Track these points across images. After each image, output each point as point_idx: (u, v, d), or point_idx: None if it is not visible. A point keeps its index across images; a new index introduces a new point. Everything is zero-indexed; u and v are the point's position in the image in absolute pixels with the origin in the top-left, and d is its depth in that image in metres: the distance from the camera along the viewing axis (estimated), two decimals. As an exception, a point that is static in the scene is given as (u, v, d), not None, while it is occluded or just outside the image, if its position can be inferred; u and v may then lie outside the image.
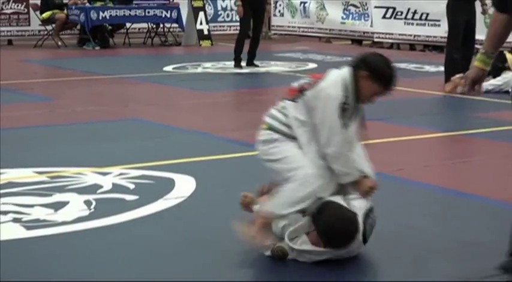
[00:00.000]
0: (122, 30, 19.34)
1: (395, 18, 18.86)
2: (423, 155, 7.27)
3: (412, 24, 18.55)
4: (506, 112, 9.48)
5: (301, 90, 4.35)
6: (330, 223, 4.06)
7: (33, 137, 7.82)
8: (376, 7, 19.21)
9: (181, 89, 11.70)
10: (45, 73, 14.04)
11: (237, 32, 14.70)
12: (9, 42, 19.21)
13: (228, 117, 9.42)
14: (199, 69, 14.19)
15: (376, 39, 19.47)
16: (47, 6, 18.25)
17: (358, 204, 4.23)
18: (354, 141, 4.30)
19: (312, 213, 4.17)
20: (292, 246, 4.21)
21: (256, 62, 14.28)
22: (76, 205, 5.33)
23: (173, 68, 14.16)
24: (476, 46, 13.68)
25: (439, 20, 17.29)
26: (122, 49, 18.38)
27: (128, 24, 19.29)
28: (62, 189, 5.72)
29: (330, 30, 20.62)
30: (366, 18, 19.54)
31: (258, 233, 4.24)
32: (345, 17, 20.07)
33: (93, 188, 5.77)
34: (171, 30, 19.56)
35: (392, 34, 19.03)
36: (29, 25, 19.11)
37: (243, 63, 14.13)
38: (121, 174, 6.18)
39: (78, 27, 18.70)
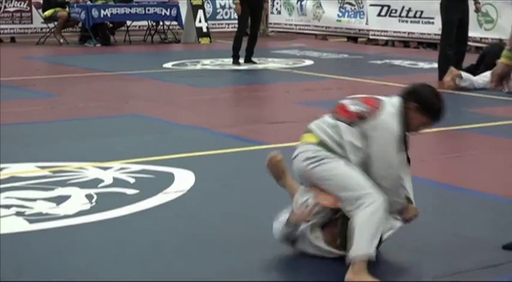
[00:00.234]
0: (123, 28, 19.43)
1: (390, 16, 18.96)
2: (418, 150, 7.32)
3: (407, 21, 18.65)
4: (500, 107, 9.63)
5: (360, 117, 4.18)
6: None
7: (35, 132, 7.89)
8: (371, 5, 19.31)
9: (180, 85, 11.79)
10: (47, 70, 14.13)
11: (235, 29, 14.79)
12: (12, 39, 19.34)
13: (226, 113, 9.49)
14: (198, 66, 14.29)
15: (371, 37, 19.60)
16: (49, 4, 18.35)
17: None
18: (403, 171, 4.29)
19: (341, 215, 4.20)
20: (309, 237, 4.26)
21: (254, 59, 14.38)
22: (78, 199, 5.39)
23: (173, 65, 14.24)
24: (469, 43, 13.83)
25: (433, 18, 17.40)
26: (123, 46, 18.45)
27: (128, 22, 19.39)
28: (63, 184, 5.77)
29: (326, 27, 20.73)
30: (361, 16, 19.64)
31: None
32: (340, 14, 20.16)
33: (95, 182, 5.82)
34: (170, 27, 19.65)
35: (387, 31, 19.13)
36: (32, 23, 19.24)
37: (241, 60, 14.23)
38: (121, 168, 6.24)
39: (80, 25, 18.82)
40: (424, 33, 18.22)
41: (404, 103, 4.23)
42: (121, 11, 18.34)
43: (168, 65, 14.23)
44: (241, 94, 11.40)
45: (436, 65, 12.38)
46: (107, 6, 18.09)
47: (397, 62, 14.97)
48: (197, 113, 9.23)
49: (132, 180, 5.91)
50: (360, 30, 19.88)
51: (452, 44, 11.83)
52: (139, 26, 19.91)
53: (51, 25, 18.59)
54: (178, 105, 9.88)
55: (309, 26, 21.11)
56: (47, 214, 5.07)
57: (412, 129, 4.28)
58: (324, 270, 4.20)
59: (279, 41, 20.16)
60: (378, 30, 19.35)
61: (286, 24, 21.85)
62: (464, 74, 11.16)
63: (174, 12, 18.96)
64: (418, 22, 18.40)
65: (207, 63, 14.63)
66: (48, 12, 18.36)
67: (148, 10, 18.72)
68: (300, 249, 4.35)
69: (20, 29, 19.28)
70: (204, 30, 19.45)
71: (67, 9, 18.47)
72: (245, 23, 14.30)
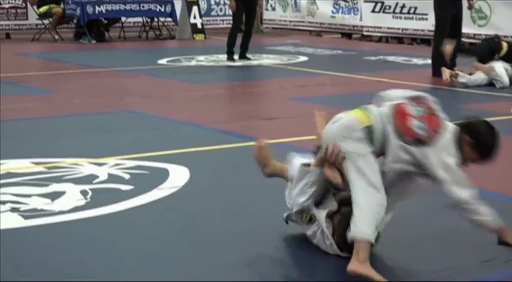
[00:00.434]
0: (117, 24, 19.44)
1: (384, 12, 19.01)
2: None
3: (400, 18, 18.70)
4: (492, 104, 9.66)
5: (420, 141, 4.11)
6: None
7: (30, 128, 7.90)
8: (365, 1, 19.38)
9: (175, 81, 11.80)
10: (43, 66, 14.13)
11: (230, 26, 14.82)
12: (7, 35, 19.36)
13: (221, 109, 9.51)
14: (193, 62, 14.30)
15: (365, 33, 19.65)
16: (43, 1, 18.37)
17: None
18: None
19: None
20: (322, 225, 4.27)
21: (248, 55, 14.40)
22: (72, 195, 5.40)
23: (167, 61, 14.26)
24: (463, 39, 13.86)
25: (426, 14, 17.45)
26: (117, 43, 18.46)
27: (123, 18, 19.40)
28: (58, 180, 5.78)
29: (320, 24, 20.77)
30: (356, 13, 19.68)
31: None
32: (335, 11, 20.20)
33: (89, 178, 5.83)
34: (165, 24, 19.67)
35: (381, 28, 19.18)
36: (27, 19, 19.27)
37: (236, 56, 14.26)
38: (116, 164, 6.26)
39: (75, 21, 18.83)
40: (418, 30, 18.27)
41: (459, 134, 4.17)
42: (116, 7, 18.36)
43: (163, 61, 14.24)
44: (235, 90, 11.42)
45: (429, 61, 12.44)
46: (101, 3, 18.09)
47: (391, 58, 15.00)
48: (192, 109, 9.25)
49: (127, 176, 5.93)
50: (354, 26, 19.93)
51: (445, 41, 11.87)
52: (134, 23, 19.93)
53: (46, 21, 18.59)
54: (173, 102, 9.90)
55: (303, 22, 21.15)
56: (41, 210, 5.07)
57: (461, 161, 4.20)
58: (321, 266, 4.22)
59: (273, 37, 20.18)
60: (372, 27, 19.39)
61: (280, 20, 21.89)
62: (460, 73, 11.21)
63: (168, 8, 18.98)
64: (412, 18, 18.45)
65: (202, 60, 14.64)
66: (43, 9, 18.38)
67: (143, 6, 18.74)
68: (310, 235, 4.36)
69: (15, 25, 19.30)
70: (199, 26, 19.47)
71: (62, 5, 18.48)
72: (240, 19, 14.32)
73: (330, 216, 4.31)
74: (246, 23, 14.35)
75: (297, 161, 4.52)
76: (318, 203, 4.37)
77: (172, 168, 6.16)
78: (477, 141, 4.15)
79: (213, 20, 21.38)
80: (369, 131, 4.16)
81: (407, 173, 4.20)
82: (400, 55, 15.45)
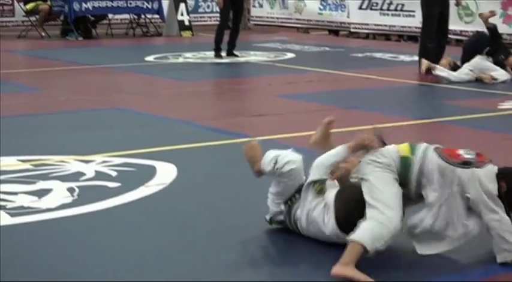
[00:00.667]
0: (104, 21, 19.41)
1: (371, 9, 19.03)
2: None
3: (388, 15, 18.74)
4: (478, 100, 9.69)
5: (466, 162, 4.20)
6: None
7: (17, 126, 7.87)
8: (352, -2, 19.44)
9: (162, 78, 11.80)
10: (30, 63, 14.11)
11: (217, 22, 14.81)
12: (-6, 33, 19.31)
13: (208, 106, 9.51)
14: (180, 59, 14.30)
15: (352, 30, 19.69)
16: (30, -2, 18.34)
17: None
18: None
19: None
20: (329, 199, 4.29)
21: (236, 52, 14.40)
22: (59, 192, 5.39)
23: (155, 58, 14.25)
24: (450, 36, 13.90)
25: (413, 11, 17.50)
26: (104, 40, 18.43)
27: (110, 15, 19.38)
28: (45, 177, 5.77)
29: (307, 20, 20.79)
30: (343, 9, 19.70)
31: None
32: (322, 8, 20.22)
33: (76, 176, 5.82)
34: (152, 21, 19.65)
35: (368, 24, 19.21)
36: (13, 16, 19.24)
37: (223, 53, 14.25)
38: (103, 162, 6.25)
39: (62, 18, 18.78)
40: (405, 26, 18.31)
41: (498, 179, 4.17)
42: (103, 4, 18.32)
43: (150, 58, 14.23)
44: (223, 87, 11.42)
45: (416, 58, 12.45)
46: (88, 0, 18.05)
47: (378, 55, 15.03)
48: (179, 106, 9.25)
49: (114, 174, 5.92)
50: (341, 23, 19.95)
51: (432, 37, 11.91)
52: (121, 19, 19.90)
53: (32, 18, 18.54)
54: (160, 98, 9.89)
55: (291, 19, 21.16)
56: (28, 207, 5.06)
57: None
58: (311, 262, 4.23)
59: (260, 34, 20.18)
60: (359, 23, 19.42)
61: (268, 17, 21.89)
62: (438, 67, 11.22)
63: (155, 5, 18.97)
64: (399, 15, 18.49)
65: (189, 57, 14.64)
66: (29, 6, 18.32)
67: (130, 3, 18.71)
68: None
69: (2, 22, 19.25)
70: (186, 23, 19.45)
71: (48, 2, 18.43)
72: (227, 16, 14.32)
73: (337, 195, 4.32)
74: (233, 20, 14.35)
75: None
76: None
77: (159, 165, 6.15)
78: (509, 194, 4.15)
79: (201, 17, 21.37)
80: (405, 160, 4.27)
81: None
82: (387, 52, 15.48)
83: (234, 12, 14.22)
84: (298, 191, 4.43)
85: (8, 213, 4.95)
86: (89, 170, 6.00)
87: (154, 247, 4.40)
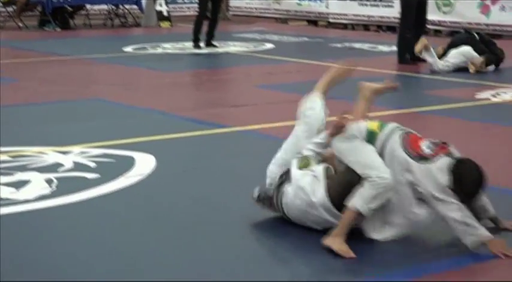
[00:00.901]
0: (82, 12, 19.33)
1: (350, -1, 19.11)
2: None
3: (366, 5, 18.78)
4: (456, 90, 9.74)
5: (422, 157, 4.25)
6: None
7: (-6, 117, 7.87)
8: (331, -12, 19.47)
9: (141, 69, 11.77)
10: (8, 54, 13.95)
11: (196, 13, 14.80)
12: (-30, 24, 19.16)
13: (187, 97, 9.49)
14: (159, 50, 14.27)
15: (331, 20, 19.71)
16: (7, -11, 18.23)
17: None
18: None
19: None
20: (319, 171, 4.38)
21: (214, 43, 14.39)
22: (38, 184, 5.37)
23: (133, 49, 14.21)
24: (428, 26, 13.96)
25: (392, 1, 17.58)
26: (82, 30, 18.36)
27: (88, 6, 19.30)
28: (23, 168, 5.74)
29: (286, 11, 20.81)
30: (322, 0, 19.72)
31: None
32: (301, -2, 20.26)
33: (55, 167, 5.80)
34: (130, 11, 19.58)
35: (346, 15, 19.25)
36: (-10, 7, 19.10)
37: (202, 44, 14.24)
38: (82, 153, 6.23)
39: (39, 8, 18.67)
40: (384, 17, 18.36)
41: (450, 170, 4.21)
42: (80, -6, 18.26)
43: (129, 49, 14.19)
44: (202, 78, 11.41)
45: (395, 48, 12.50)
46: (66, -10, 18.00)
47: (357, 45, 15.06)
48: (158, 96, 9.23)
49: (92, 165, 5.90)
50: (320, 13, 19.97)
51: (411, 27, 11.95)
52: (99, 10, 19.81)
53: (9, 9, 18.42)
54: (139, 89, 9.88)
55: (270, 9, 21.17)
56: (6, 199, 5.04)
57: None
58: (290, 252, 4.25)
59: (239, 24, 20.17)
60: (338, 14, 19.45)
61: (246, 7, 21.88)
62: (433, 52, 11.22)
63: (134, -5, 18.91)
64: (378, 5, 18.54)
65: (168, 47, 14.60)
66: (7, -4, 18.23)
67: (108, -6, 18.66)
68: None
69: (-21, 13, 19.13)
70: (165, 13, 19.41)
71: (26, -8, 18.34)
72: (205, 6, 14.30)
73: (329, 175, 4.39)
74: (212, 10, 14.32)
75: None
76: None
77: (138, 156, 6.14)
78: (458, 184, 4.17)
79: (179, 8, 21.32)
80: (372, 135, 4.35)
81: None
82: (366, 42, 15.50)
83: (213, 3, 14.20)
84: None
85: (-14, 205, 4.92)
86: (68, 161, 5.98)
87: (134, 238, 4.39)
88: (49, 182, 5.43)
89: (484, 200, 4.42)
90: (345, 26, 19.58)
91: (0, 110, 8.16)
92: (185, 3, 21.48)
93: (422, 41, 11.24)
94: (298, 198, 4.37)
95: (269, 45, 15.00)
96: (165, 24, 19.20)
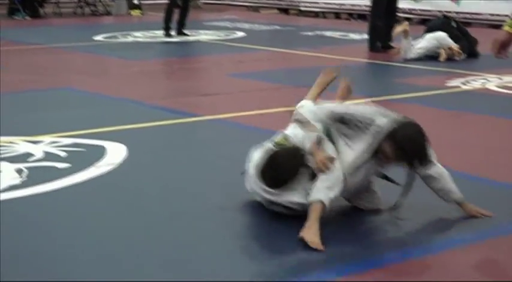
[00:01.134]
0: (52, 0, 19.19)
1: (321, -13, 19.13)
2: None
3: (337, -7, 18.84)
4: (426, 78, 9.80)
5: None
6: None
7: (-36, 107, 7.80)
8: (303, -24, 19.47)
9: (111, 58, 11.73)
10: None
11: (167, 1, 14.74)
12: None
13: (158, 86, 9.47)
14: (130, 39, 14.22)
15: (302, 8, 19.72)
16: (-26, -24, 18.07)
17: None
18: None
19: None
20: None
21: (185, 31, 14.36)
22: (8, 173, 5.32)
23: (103, 38, 14.14)
24: (399, 14, 14.00)
25: (363, -11, 17.61)
26: (52, 19, 18.24)
27: (57, -6, 19.19)
28: (-7, 158, 5.71)
29: (257, -1, 20.82)
30: (293, -12, 19.76)
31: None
32: (272, -14, 20.26)
33: (25, 157, 5.76)
34: (101, 0, 19.48)
35: (318, 3, 19.27)
36: (-42, -5, 18.94)
37: (173, 32, 14.20)
38: (52, 142, 6.19)
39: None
40: (355, 5, 18.40)
41: (388, 131, 4.27)
42: (50, -18, 18.13)
43: (99, 37, 14.12)
44: (173, 66, 11.39)
45: (366, 36, 12.53)
46: (35, -22, 17.86)
47: (328, 34, 15.08)
48: (129, 85, 9.20)
49: (63, 154, 5.87)
50: (291, 1, 19.99)
51: (382, 16, 11.99)
52: (69, -2, 19.72)
53: (-22, -2, 18.30)
54: (110, 78, 9.84)
55: (241, -3, 21.15)
56: (-24, 189, 5.01)
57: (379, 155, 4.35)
58: (261, 242, 4.25)
59: (210, 12, 20.12)
60: (309, 2, 19.47)
61: (217, -5, 21.84)
62: (410, 39, 11.24)
63: (104, -16, 18.81)
64: (349, -6, 18.58)
65: (139, 36, 14.55)
66: (-26, -15, 18.07)
67: (78, -18, 18.54)
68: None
69: None
70: (135, 2, 19.34)
71: (-6, -19, 18.19)
72: (176, -6, 14.26)
73: None
74: (183, -2, 14.30)
75: None
76: None
77: (109, 145, 6.12)
78: (397, 146, 4.23)
79: (150, -4, 21.24)
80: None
81: None
82: (337, 30, 15.54)
83: (184, -9, 14.17)
84: None
85: (-45, 195, 4.88)
86: (38, 151, 5.95)
87: (104, 228, 4.37)
88: (19, 172, 5.39)
89: (444, 177, 4.48)
90: (316, 14, 19.60)
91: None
92: (156, -9, 21.41)
93: (404, 25, 11.27)
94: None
95: (240, 34, 14.99)
96: (135, 13, 19.12)
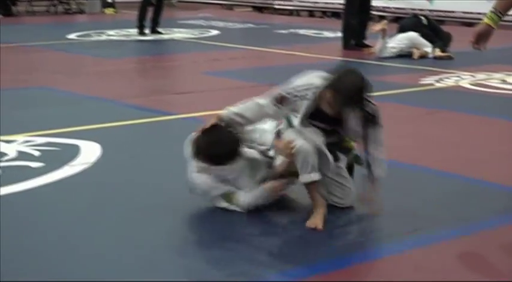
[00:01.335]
0: (25, -2, 19.13)
1: (295, -15, 19.16)
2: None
3: (311, -9, 18.86)
4: (401, 75, 9.84)
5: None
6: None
7: None
8: (277, -25, 19.49)
9: (85, 56, 11.68)
10: None
11: (141, -1, 14.74)
12: None
13: (132, 84, 9.44)
14: (103, 37, 14.16)
15: (276, 6, 19.74)
16: None
17: None
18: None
19: None
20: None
21: (159, 29, 14.33)
22: (-19, 173, 5.30)
23: (77, 36, 14.09)
24: (372, 12, 14.05)
25: (337, -13, 17.65)
26: (25, 17, 18.14)
27: (30, -8, 19.08)
28: (-34, 158, 5.67)
29: (232, -3, 20.81)
30: (267, -14, 19.77)
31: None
32: (246, -16, 20.26)
33: (-2, 156, 5.75)
34: (74, -2, 19.42)
35: (292, 1, 19.31)
36: None
37: (147, 31, 14.17)
38: (26, 141, 6.17)
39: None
40: (329, 3, 18.44)
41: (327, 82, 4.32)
42: (23, -19, 18.03)
43: (72, 36, 14.06)
44: (147, 65, 11.37)
45: (340, 34, 12.56)
46: (7, -24, 17.76)
47: (302, 32, 15.11)
48: (103, 84, 9.17)
49: (37, 153, 5.85)
50: (265, 0, 19.96)
51: (355, 13, 12.03)
52: (42, -4, 19.61)
53: (-51, -4, 18.14)
54: (84, 77, 9.79)
55: (215, -5, 21.13)
56: (-51, 189, 4.98)
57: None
58: (234, 237, 4.24)
59: (184, 11, 20.09)
60: (283, 0, 19.47)
61: (191, -6, 21.81)
62: (386, 38, 11.29)
63: (77, -18, 18.73)
64: (323, -8, 18.61)
65: (112, 34, 14.51)
66: None
67: (51, -20, 18.44)
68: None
69: None
70: (109, 0, 19.23)
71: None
72: (150, -7, 14.23)
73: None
74: (157, -4, 14.27)
75: None
76: None
77: (83, 144, 6.11)
78: (337, 92, 4.28)
79: (123, -6, 21.17)
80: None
81: None
82: (311, 28, 15.57)
83: (158, -11, 14.14)
84: None
85: None
86: (11, 150, 5.92)
87: (79, 226, 4.36)
88: (-8, 171, 5.37)
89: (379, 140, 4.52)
90: (290, 12, 19.62)
91: None
92: (129, -11, 21.33)
93: (383, 23, 11.32)
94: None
95: (215, 32, 14.98)
96: (109, 11, 19.05)
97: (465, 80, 9.41)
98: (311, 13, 19.36)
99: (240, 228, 4.36)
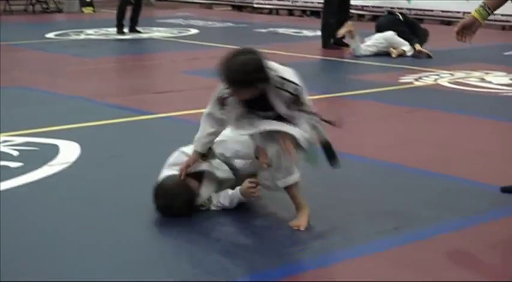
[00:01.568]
0: (2, -3, 19.03)
1: (274, -16, 19.16)
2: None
3: (290, -10, 18.88)
4: (380, 74, 9.86)
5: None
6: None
7: None
8: (256, -26, 19.49)
9: (64, 55, 11.63)
10: None
11: (119, -2, 14.69)
12: None
13: (111, 83, 9.41)
14: (82, 36, 14.12)
15: (255, 5, 19.75)
16: None
17: None
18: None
19: None
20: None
21: (138, 28, 14.30)
22: (-41, 173, 5.27)
23: (55, 35, 14.03)
24: (352, 11, 14.08)
25: (316, -14, 17.70)
26: (3, 16, 18.01)
27: (7, -9, 18.98)
28: None
29: (211, -4, 20.79)
30: (246, -15, 19.77)
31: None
32: (225, -17, 20.25)
33: (-23, 156, 5.71)
34: (52, -3, 19.34)
35: (271, 0, 19.28)
36: None
37: (126, 30, 14.14)
38: (4, 141, 6.14)
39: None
40: (308, 2, 18.46)
41: None
42: (0, -21, 17.93)
43: (51, 35, 14.00)
44: (126, 64, 11.33)
45: (319, 33, 12.58)
46: (-15, -25, 17.66)
47: (281, 30, 15.12)
48: (81, 83, 9.14)
49: (15, 153, 5.83)
50: (244, -2, 19.98)
51: (334, 12, 12.05)
52: (20, -5, 19.51)
53: None
54: (62, 76, 9.75)
55: (194, -6, 21.10)
56: None
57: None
58: (215, 234, 4.24)
59: (163, 10, 20.06)
60: (263, -1, 19.50)
61: (170, -7, 21.77)
62: (356, 38, 11.32)
63: (55, -19, 18.65)
64: (302, -9, 18.63)
65: (91, 33, 14.46)
66: None
67: (29, -21, 18.35)
68: None
69: None
70: (87, -1, 19.19)
71: None
72: (129, -9, 14.20)
73: None
74: (136, -5, 14.24)
75: None
76: None
77: (62, 144, 6.09)
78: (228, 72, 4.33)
79: (102, -7, 21.10)
80: None
81: None
82: (291, 27, 15.59)
83: (137, -12, 14.11)
84: None
85: None
86: (-11, 150, 5.89)
87: (58, 227, 4.34)
88: (-29, 171, 5.34)
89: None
90: (269, 11, 19.64)
91: None
92: (108, -12, 21.27)
93: (348, 25, 11.35)
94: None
95: (194, 31, 14.97)
96: (87, 10, 18.99)
97: (444, 78, 9.45)
98: (290, 12, 19.38)
99: (220, 227, 4.35)
